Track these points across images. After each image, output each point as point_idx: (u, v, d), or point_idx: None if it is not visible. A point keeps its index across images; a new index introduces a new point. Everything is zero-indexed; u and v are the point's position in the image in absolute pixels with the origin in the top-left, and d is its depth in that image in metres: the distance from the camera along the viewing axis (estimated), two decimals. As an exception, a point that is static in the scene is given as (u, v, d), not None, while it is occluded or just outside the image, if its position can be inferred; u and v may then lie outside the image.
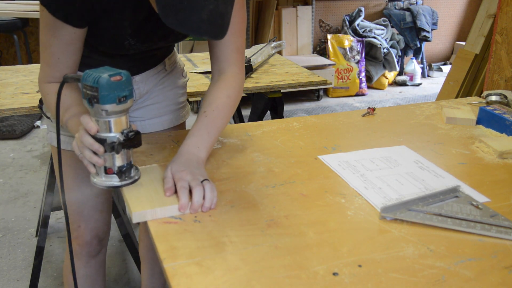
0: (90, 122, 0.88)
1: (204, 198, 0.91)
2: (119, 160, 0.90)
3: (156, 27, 1.11)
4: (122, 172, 0.91)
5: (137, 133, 0.91)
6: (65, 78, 0.90)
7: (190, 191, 0.92)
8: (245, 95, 3.22)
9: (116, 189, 0.95)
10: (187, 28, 0.85)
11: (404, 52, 5.03)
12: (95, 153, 0.89)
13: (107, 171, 0.91)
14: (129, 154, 0.92)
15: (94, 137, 0.88)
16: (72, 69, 1.08)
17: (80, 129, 0.90)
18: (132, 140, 0.89)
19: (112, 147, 0.88)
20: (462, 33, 5.46)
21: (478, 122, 1.37)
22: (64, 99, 1.00)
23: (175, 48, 1.37)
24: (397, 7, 4.99)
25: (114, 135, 0.88)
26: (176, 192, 0.92)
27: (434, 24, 4.98)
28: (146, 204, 0.89)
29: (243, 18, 1.13)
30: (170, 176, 0.95)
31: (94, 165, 0.91)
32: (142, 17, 1.08)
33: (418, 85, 5.02)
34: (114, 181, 0.91)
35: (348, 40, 4.58)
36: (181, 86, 1.39)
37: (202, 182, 0.93)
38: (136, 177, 0.94)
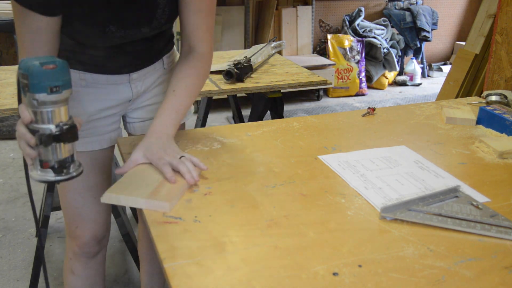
0: (25, 111, 0.84)
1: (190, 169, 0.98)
2: (56, 154, 0.86)
3: (135, 10, 1.09)
4: (60, 167, 0.87)
5: (73, 127, 0.86)
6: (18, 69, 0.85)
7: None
8: (245, 95, 3.22)
9: (54, 184, 0.90)
10: None
11: (404, 52, 5.03)
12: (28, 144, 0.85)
13: (43, 164, 0.86)
14: (69, 148, 0.88)
15: (28, 127, 0.84)
16: None
17: (19, 119, 0.87)
18: (65, 133, 0.85)
19: (40, 140, 0.83)
20: (462, 33, 5.46)
21: (478, 122, 1.37)
22: None
23: (174, 47, 1.36)
24: (397, 7, 4.99)
25: (47, 127, 0.84)
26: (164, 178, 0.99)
27: (434, 24, 4.98)
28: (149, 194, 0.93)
29: None
30: (139, 160, 1.02)
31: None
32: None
33: (418, 85, 5.02)
34: (49, 176, 0.87)
35: (348, 40, 4.58)
36: None
37: (180, 158, 0.99)
38: (75, 174, 0.90)
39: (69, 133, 0.85)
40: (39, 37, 1.01)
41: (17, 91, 0.88)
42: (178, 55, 1.39)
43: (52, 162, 0.86)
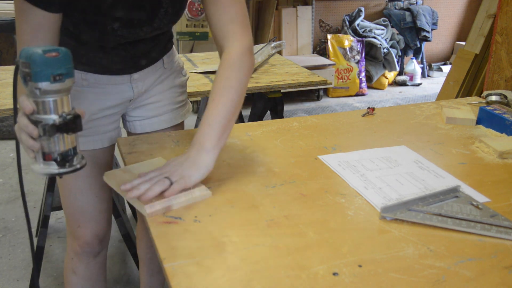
0: (26, 101, 0.81)
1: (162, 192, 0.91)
2: (58, 145, 0.83)
3: (138, 9, 1.08)
4: (62, 160, 0.84)
5: (76, 117, 0.83)
6: (16, 62, 0.83)
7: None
8: (245, 95, 3.22)
9: (57, 177, 0.87)
10: None
11: (404, 52, 5.03)
12: (31, 135, 0.82)
13: (46, 157, 0.83)
14: (72, 139, 0.85)
15: (30, 118, 0.81)
16: None
17: (19, 110, 0.84)
18: (68, 123, 0.82)
19: (44, 130, 0.80)
20: (462, 33, 5.46)
21: (478, 122, 1.37)
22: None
23: (174, 46, 1.37)
24: (397, 7, 4.99)
25: (50, 117, 0.81)
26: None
27: (434, 24, 4.98)
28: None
29: None
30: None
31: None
32: None
33: (418, 85, 5.02)
34: (53, 168, 0.84)
35: (348, 40, 4.58)
36: (180, 85, 1.38)
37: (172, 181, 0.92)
38: (78, 166, 0.87)
39: (73, 123, 0.83)
40: (39, 34, 1.00)
41: (13, 82, 0.85)
42: (177, 54, 1.40)
43: (55, 154, 0.84)
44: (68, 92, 0.83)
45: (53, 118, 0.81)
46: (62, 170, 0.85)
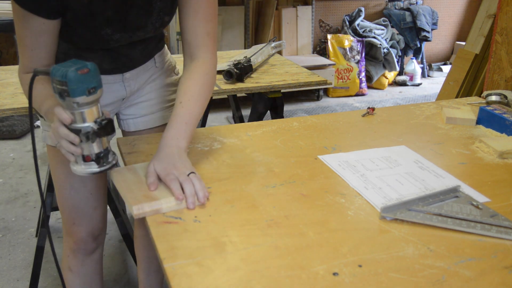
0: (64, 114, 0.90)
1: (196, 190, 0.94)
2: (96, 148, 0.94)
3: (131, 15, 1.10)
4: (100, 158, 0.95)
5: (110, 121, 0.94)
6: (35, 72, 0.91)
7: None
8: (245, 95, 3.21)
9: (97, 174, 0.99)
10: None
11: (404, 52, 5.03)
12: (72, 142, 0.92)
13: (86, 158, 0.95)
14: (105, 140, 0.96)
15: (69, 127, 0.91)
16: (47, 60, 1.08)
17: (55, 120, 0.92)
18: (105, 127, 0.93)
19: (87, 137, 0.92)
20: (462, 33, 5.46)
21: (478, 122, 1.37)
22: (41, 90, 1.02)
23: (165, 45, 1.38)
24: (397, 7, 4.99)
25: (88, 125, 0.92)
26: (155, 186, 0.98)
27: (434, 24, 4.98)
28: (141, 199, 0.92)
29: (211, 2, 1.14)
30: (153, 171, 0.98)
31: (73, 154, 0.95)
32: (112, 2, 1.06)
33: (418, 85, 5.02)
34: (93, 167, 0.96)
35: (348, 40, 4.58)
36: (172, 83, 1.39)
37: (188, 175, 0.96)
38: (114, 162, 0.98)
39: (108, 127, 0.94)
40: (41, 39, 1.04)
41: (29, 90, 0.93)
42: (169, 53, 1.41)
43: (93, 155, 0.95)
44: (99, 100, 0.93)
45: (91, 125, 0.92)
46: (102, 168, 0.96)
